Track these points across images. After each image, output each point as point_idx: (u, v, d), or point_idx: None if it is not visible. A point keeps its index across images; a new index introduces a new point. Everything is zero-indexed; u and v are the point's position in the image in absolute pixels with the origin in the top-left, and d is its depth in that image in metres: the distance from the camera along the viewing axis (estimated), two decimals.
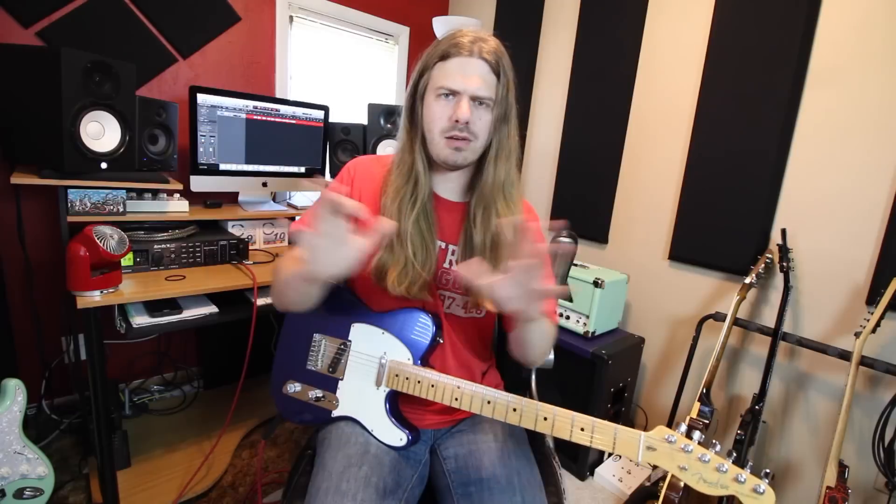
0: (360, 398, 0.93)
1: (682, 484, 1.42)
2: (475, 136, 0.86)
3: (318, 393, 0.96)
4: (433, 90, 0.86)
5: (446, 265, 0.95)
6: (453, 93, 0.84)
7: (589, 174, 2.24)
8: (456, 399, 0.82)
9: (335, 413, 0.94)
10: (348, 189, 0.96)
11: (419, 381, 0.86)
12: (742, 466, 0.66)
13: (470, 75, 0.83)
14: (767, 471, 0.65)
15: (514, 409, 0.79)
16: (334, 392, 0.95)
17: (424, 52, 0.89)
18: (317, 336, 0.99)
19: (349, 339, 0.95)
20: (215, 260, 1.62)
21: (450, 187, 0.96)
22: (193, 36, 2.01)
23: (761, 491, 0.64)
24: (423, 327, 0.90)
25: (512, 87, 0.88)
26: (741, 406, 1.81)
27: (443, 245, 0.95)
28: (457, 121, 0.83)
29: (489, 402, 0.80)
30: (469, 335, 1.00)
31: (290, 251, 1.00)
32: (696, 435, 0.69)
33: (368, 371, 0.92)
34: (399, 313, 0.92)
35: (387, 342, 0.91)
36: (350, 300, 0.99)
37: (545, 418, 0.78)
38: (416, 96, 0.90)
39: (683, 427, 0.71)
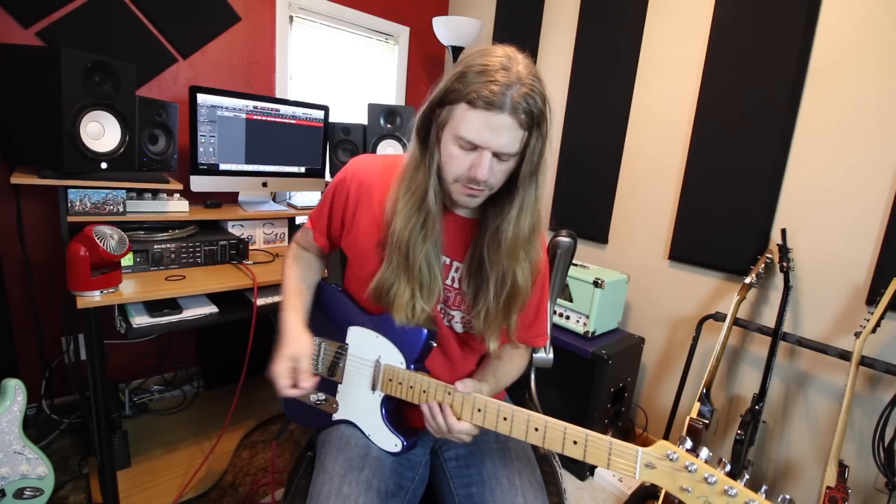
0: (357, 402, 0.92)
1: None
2: (491, 187, 0.80)
3: (320, 396, 0.96)
4: (452, 133, 0.76)
5: (448, 282, 0.91)
6: (474, 146, 0.76)
7: (589, 174, 2.24)
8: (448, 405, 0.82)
9: (335, 417, 0.94)
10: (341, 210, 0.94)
11: (411, 386, 0.85)
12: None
13: (496, 130, 0.73)
14: (787, 496, 0.58)
15: (505, 419, 0.77)
16: (334, 395, 0.95)
17: (454, 70, 0.77)
18: (317, 339, 0.99)
19: (346, 342, 0.95)
20: (215, 260, 1.62)
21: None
22: (193, 36, 2.01)
23: None
24: (416, 330, 0.88)
25: (548, 135, 0.77)
26: (741, 406, 1.81)
27: (447, 261, 0.91)
28: (474, 177, 0.76)
29: (479, 410, 0.79)
30: (466, 345, 0.99)
31: (303, 233, 1.06)
32: (704, 452, 0.63)
33: (364, 375, 0.92)
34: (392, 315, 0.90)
35: (381, 346, 0.90)
36: (345, 302, 0.98)
37: (536, 429, 0.75)
38: (433, 121, 0.80)
39: (689, 443, 0.64)
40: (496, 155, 0.76)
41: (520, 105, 0.71)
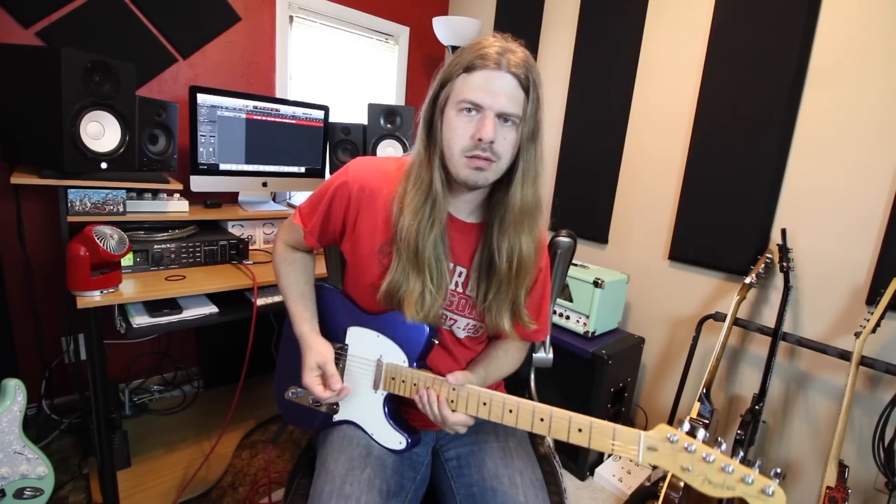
0: (359, 402, 0.92)
1: (682, 484, 1.42)
2: (498, 156, 0.79)
3: None
4: (455, 104, 0.79)
5: (451, 286, 0.91)
6: (477, 108, 0.77)
7: (589, 174, 2.24)
8: (452, 401, 0.82)
9: (336, 418, 0.94)
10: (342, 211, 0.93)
11: (415, 384, 0.85)
12: (749, 465, 0.63)
13: (496, 90, 0.76)
14: (778, 470, 0.62)
15: (511, 411, 0.78)
16: None
17: (446, 61, 0.82)
18: None
19: (346, 342, 0.95)
20: (215, 260, 1.62)
21: (463, 207, 0.90)
22: (193, 36, 2.01)
23: (770, 493, 0.60)
24: (417, 328, 0.88)
25: (541, 103, 0.80)
26: (741, 406, 1.81)
27: (450, 266, 0.90)
28: (480, 139, 0.76)
29: (485, 404, 0.80)
30: (468, 349, 0.99)
31: (289, 230, 1.02)
32: (701, 433, 0.66)
33: (366, 374, 0.92)
34: (393, 315, 0.90)
35: (382, 345, 0.90)
36: (343, 303, 0.98)
37: (542, 419, 0.76)
38: (435, 108, 0.83)
39: (686, 425, 0.67)
40: (499, 116, 0.78)
41: (517, 66, 0.77)
